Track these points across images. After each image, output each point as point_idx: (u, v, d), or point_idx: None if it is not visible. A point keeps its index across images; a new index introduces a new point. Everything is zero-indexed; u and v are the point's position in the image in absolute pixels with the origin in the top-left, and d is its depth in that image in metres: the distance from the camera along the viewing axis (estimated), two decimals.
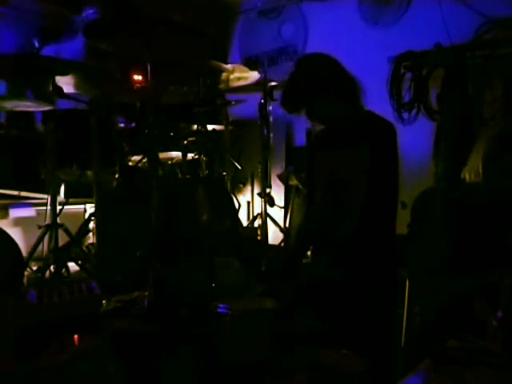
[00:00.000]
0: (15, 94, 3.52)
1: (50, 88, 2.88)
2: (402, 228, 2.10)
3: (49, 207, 3.12)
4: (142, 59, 2.68)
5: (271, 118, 3.80)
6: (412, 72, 3.78)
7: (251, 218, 4.27)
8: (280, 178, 4.38)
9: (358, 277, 1.96)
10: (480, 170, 1.87)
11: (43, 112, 3.27)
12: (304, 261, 2.26)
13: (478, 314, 1.56)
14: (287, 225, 4.05)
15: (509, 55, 3.52)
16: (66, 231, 3.17)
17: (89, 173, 3.03)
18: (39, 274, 2.99)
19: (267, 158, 3.80)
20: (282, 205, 4.28)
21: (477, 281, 1.65)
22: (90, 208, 3.54)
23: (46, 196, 3.17)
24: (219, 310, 1.42)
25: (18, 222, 3.59)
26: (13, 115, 3.70)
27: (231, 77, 3.88)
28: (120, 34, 2.62)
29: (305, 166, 2.33)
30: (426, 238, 1.88)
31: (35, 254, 3.10)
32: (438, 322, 1.78)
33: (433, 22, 3.89)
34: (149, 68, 2.58)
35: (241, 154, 4.32)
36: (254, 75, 3.92)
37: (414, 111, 3.78)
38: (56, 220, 3.08)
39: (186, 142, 3.65)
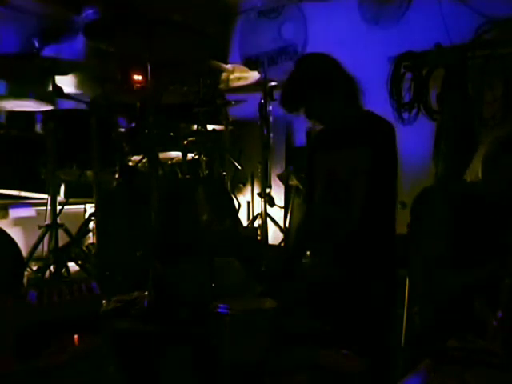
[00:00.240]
0: (15, 93, 3.52)
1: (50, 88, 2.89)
2: (402, 228, 2.10)
3: (49, 207, 3.12)
4: (142, 59, 2.68)
5: (271, 118, 3.80)
6: (412, 72, 3.78)
7: (251, 218, 4.27)
8: (280, 178, 4.38)
9: (358, 277, 1.96)
10: (479, 172, 1.87)
11: (43, 112, 3.28)
12: (304, 261, 2.26)
13: (478, 313, 1.56)
14: (287, 225, 4.04)
15: (509, 55, 3.52)
16: (66, 231, 3.17)
17: (89, 173, 3.03)
18: (39, 274, 2.99)
19: (267, 158, 3.80)
20: (282, 205, 4.28)
21: (475, 278, 1.65)
22: (90, 208, 3.54)
23: (46, 196, 3.17)
24: (219, 310, 1.42)
25: (18, 221, 3.59)
26: (13, 115, 3.71)
27: (231, 77, 3.88)
28: (120, 34, 2.62)
29: (305, 166, 2.33)
30: (425, 237, 1.88)
31: (35, 254, 3.10)
32: (437, 322, 1.78)
33: (433, 22, 3.89)
34: (149, 68, 2.58)
35: (241, 154, 4.32)
36: (253, 75, 3.92)
37: (414, 111, 3.78)
38: (56, 220, 3.08)
39: (186, 142, 3.65)
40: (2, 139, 3.14)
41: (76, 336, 1.49)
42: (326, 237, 2.10)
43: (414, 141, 3.45)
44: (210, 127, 3.72)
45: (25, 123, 3.76)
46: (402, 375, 1.29)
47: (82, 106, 2.89)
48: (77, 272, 3.04)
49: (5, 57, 3.45)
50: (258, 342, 1.39)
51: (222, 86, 3.94)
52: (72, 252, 3.12)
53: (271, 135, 3.82)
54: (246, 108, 4.09)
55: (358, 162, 2.02)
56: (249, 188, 4.51)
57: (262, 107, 3.74)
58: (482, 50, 3.58)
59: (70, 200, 3.37)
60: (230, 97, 4.17)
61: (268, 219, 3.78)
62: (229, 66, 3.76)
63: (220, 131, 3.99)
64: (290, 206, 4.16)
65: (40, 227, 3.12)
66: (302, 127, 4.36)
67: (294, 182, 4.09)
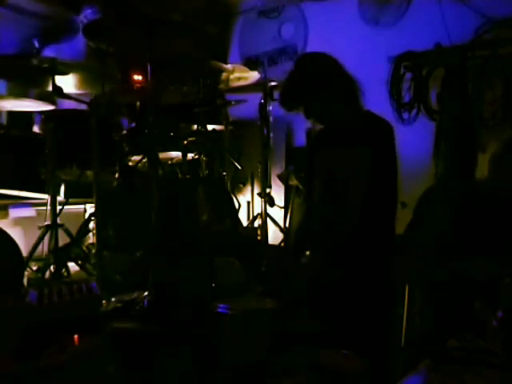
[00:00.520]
0: (15, 94, 3.52)
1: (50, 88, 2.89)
2: (402, 228, 2.10)
3: (49, 207, 3.12)
4: (142, 59, 2.68)
5: (271, 118, 3.79)
6: (412, 72, 3.78)
7: (251, 218, 4.27)
8: (280, 178, 4.38)
9: (358, 277, 1.96)
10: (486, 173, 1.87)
11: (43, 112, 3.27)
12: (304, 260, 2.25)
13: (478, 313, 1.56)
14: (287, 225, 4.04)
15: (509, 55, 3.52)
16: (66, 231, 3.17)
17: (89, 173, 3.03)
18: (39, 274, 2.99)
19: (267, 158, 3.80)
20: (282, 205, 4.28)
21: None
22: (90, 208, 3.54)
23: (46, 196, 3.17)
24: (219, 310, 1.42)
25: (18, 221, 3.59)
26: (13, 115, 3.70)
27: (231, 77, 3.88)
28: (120, 34, 2.62)
29: (304, 166, 2.33)
30: (428, 235, 1.87)
31: (35, 254, 3.10)
32: (437, 322, 1.78)
33: (433, 22, 3.88)
34: (149, 68, 2.58)
35: (241, 154, 4.32)
36: (253, 75, 3.92)
37: (414, 111, 3.78)
38: (56, 220, 3.08)
39: (186, 142, 3.65)
40: (2, 139, 3.14)
41: (76, 336, 1.49)
42: (325, 237, 2.10)
43: (414, 141, 3.46)
44: (210, 127, 3.71)
45: (25, 123, 3.76)
46: (401, 375, 1.29)
47: (82, 106, 2.88)
48: (77, 272, 3.03)
49: (5, 57, 3.45)
50: (258, 342, 1.39)
51: (221, 85, 3.94)
52: (72, 252, 3.12)
53: (271, 135, 3.82)
54: (246, 108, 4.09)
55: (357, 161, 2.02)
56: (249, 188, 4.51)
57: (262, 107, 3.74)
58: (481, 50, 3.58)
59: (70, 200, 3.36)
60: (229, 97, 4.17)
61: (268, 219, 3.78)
62: (229, 66, 3.76)
63: (220, 131, 3.99)
64: (290, 205, 4.16)
65: (40, 227, 3.12)
66: (301, 127, 4.35)
67: (293, 181, 4.09)
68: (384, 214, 2.02)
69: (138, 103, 3.49)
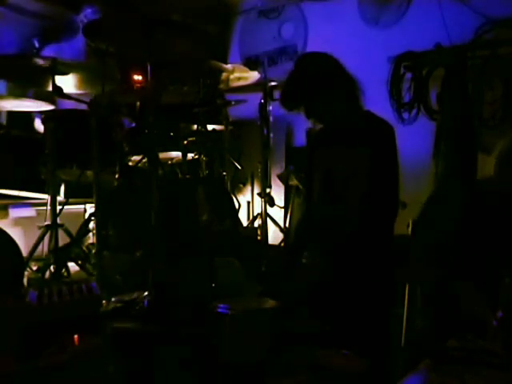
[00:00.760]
0: (15, 94, 3.52)
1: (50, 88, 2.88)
2: (402, 228, 2.09)
3: (49, 207, 3.12)
4: (142, 59, 2.67)
5: (271, 118, 3.79)
6: (412, 72, 3.78)
7: (251, 218, 4.27)
8: (280, 178, 4.38)
9: (358, 277, 1.96)
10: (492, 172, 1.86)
11: (43, 112, 3.27)
12: (304, 261, 2.25)
13: (477, 314, 1.56)
14: (287, 225, 4.04)
15: (509, 55, 3.52)
16: (66, 231, 3.17)
17: (89, 173, 3.03)
18: (39, 274, 2.99)
19: (267, 158, 3.80)
20: (282, 205, 4.28)
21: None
22: (90, 208, 3.54)
23: (46, 196, 3.17)
24: (219, 310, 1.42)
25: (18, 221, 3.59)
26: (13, 115, 3.70)
27: (231, 77, 3.88)
28: (120, 34, 2.62)
29: (304, 165, 2.33)
30: (434, 235, 1.87)
31: (35, 254, 3.10)
32: (438, 322, 1.78)
33: (433, 22, 3.89)
34: (149, 68, 2.58)
35: (241, 154, 4.32)
36: (253, 75, 3.92)
37: (414, 111, 3.78)
38: (56, 220, 3.08)
39: (186, 142, 3.65)
40: (2, 139, 3.14)
41: (76, 336, 1.49)
42: (325, 236, 2.10)
43: (414, 141, 3.46)
44: (210, 127, 3.71)
45: (25, 123, 3.76)
46: (402, 375, 1.29)
47: (82, 106, 2.88)
48: (77, 272, 3.03)
49: (5, 57, 3.44)
50: (258, 341, 1.39)
51: (221, 85, 3.94)
52: (72, 252, 3.12)
53: (271, 135, 3.82)
54: (246, 108, 4.09)
55: (357, 161, 2.02)
56: (249, 188, 4.51)
57: (262, 107, 3.74)
58: (481, 50, 3.58)
59: (70, 200, 3.36)
60: (229, 97, 4.17)
61: (268, 219, 3.78)
62: (229, 66, 3.75)
63: (220, 131, 3.99)
64: (290, 205, 4.16)
65: (40, 227, 3.12)
66: (301, 127, 4.35)
67: (293, 181, 4.09)
68: (384, 214, 2.02)
69: (138, 103, 3.49)
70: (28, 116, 3.78)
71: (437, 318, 1.81)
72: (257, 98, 3.79)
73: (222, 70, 3.73)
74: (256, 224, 3.88)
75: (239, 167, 4.12)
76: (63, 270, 2.96)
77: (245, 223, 4.13)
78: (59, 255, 2.99)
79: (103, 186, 2.83)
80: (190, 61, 3.42)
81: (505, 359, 1.25)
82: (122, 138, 3.31)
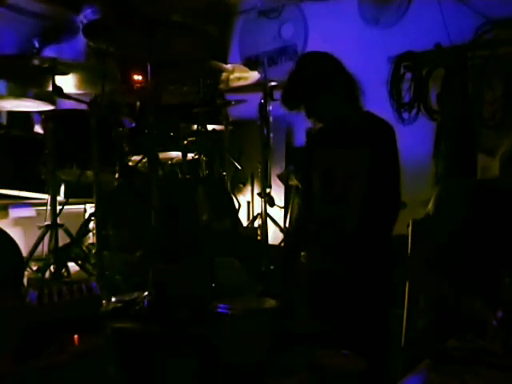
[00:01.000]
0: (15, 94, 3.52)
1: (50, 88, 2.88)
2: (402, 228, 2.09)
3: (49, 207, 3.12)
4: (142, 59, 2.67)
5: (271, 118, 3.79)
6: (412, 72, 3.78)
7: (251, 218, 4.27)
8: (280, 178, 4.38)
9: (358, 277, 1.96)
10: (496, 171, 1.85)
11: (43, 112, 3.27)
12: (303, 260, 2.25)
13: (477, 314, 1.56)
14: (287, 225, 4.04)
15: (509, 55, 3.52)
16: (66, 231, 3.17)
17: (89, 173, 3.03)
18: (39, 274, 2.98)
19: (267, 158, 3.80)
20: (282, 205, 4.28)
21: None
22: (90, 208, 3.54)
23: (46, 196, 3.17)
24: (219, 310, 1.42)
25: (18, 221, 3.59)
26: (13, 115, 3.70)
27: (231, 77, 3.88)
28: (120, 34, 2.62)
29: (303, 165, 2.33)
30: (438, 234, 1.86)
31: (35, 254, 3.10)
32: (439, 322, 1.78)
33: (433, 22, 3.89)
34: (149, 68, 2.57)
35: (241, 154, 4.32)
36: (254, 75, 3.92)
37: (414, 111, 3.78)
38: (56, 220, 3.08)
39: (186, 142, 3.65)
40: (2, 139, 3.14)
41: (76, 336, 1.49)
42: (324, 236, 2.10)
43: (414, 141, 3.46)
44: (210, 127, 3.71)
45: (25, 123, 3.76)
46: (402, 375, 1.29)
47: (82, 106, 2.88)
48: (77, 272, 3.03)
49: (5, 57, 3.45)
50: (258, 341, 1.39)
51: (221, 85, 3.94)
52: (72, 252, 3.12)
53: (271, 135, 3.82)
54: (245, 108, 4.09)
55: (358, 161, 2.02)
56: (249, 188, 4.50)
57: (262, 107, 3.74)
58: (482, 50, 3.58)
59: (70, 200, 3.36)
60: (229, 97, 4.17)
61: (268, 219, 3.78)
62: (229, 66, 3.76)
63: (220, 131, 3.99)
64: (290, 206, 4.16)
65: (40, 227, 3.12)
66: (301, 127, 4.35)
67: (293, 181, 4.09)
68: (385, 214, 2.02)
69: (138, 103, 3.49)
70: (28, 116, 3.78)
71: (437, 318, 1.81)
72: (257, 98, 3.79)
73: (221, 70, 3.73)
74: (256, 224, 3.88)
75: (239, 167, 4.12)
76: (63, 269, 2.96)
77: (245, 223, 4.13)
78: (59, 255, 2.99)
79: (103, 186, 2.82)
80: (189, 61, 3.42)
81: (505, 359, 1.25)
82: (122, 138, 3.32)
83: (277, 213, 4.04)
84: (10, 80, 3.60)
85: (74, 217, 3.53)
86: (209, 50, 3.45)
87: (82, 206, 3.69)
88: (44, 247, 3.14)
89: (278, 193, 4.20)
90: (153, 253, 2.50)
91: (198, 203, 2.99)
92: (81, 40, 4.10)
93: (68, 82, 3.11)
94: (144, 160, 3.25)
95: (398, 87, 3.82)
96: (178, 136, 3.58)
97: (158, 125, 2.80)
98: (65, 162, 3.14)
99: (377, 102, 2.20)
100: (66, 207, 3.26)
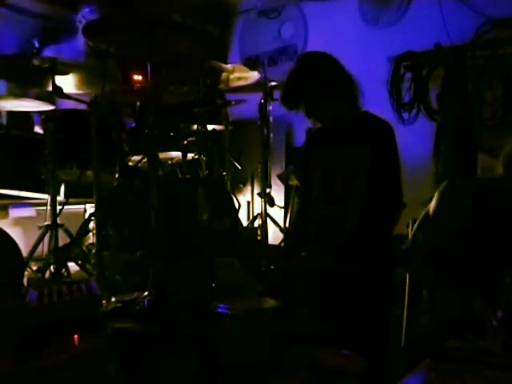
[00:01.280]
0: (15, 94, 3.52)
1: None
2: (402, 228, 2.10)
3: (49, 207, 3.12)
4: (142, 59, 2.67)
5: (271, 118, 3.79)
6: (412, 72, 3.78)
7: (251, 218, 4.27)
8: (280, 178, 4.38)
9: (358, 276, 1.96)
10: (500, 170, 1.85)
11: (43, 112, 3.27)
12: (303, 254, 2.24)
13: (478, 313, 1.56)
14: (287, 225, 4.04)
15: (509, 55, 3.52)
16: (66, 231, 3.17)
17: (89, 173, 3.03)
18: (39, 274, 2.99)
19: (267, 158, 3.80)
20: (282, 205, 4.28)
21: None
22: (90, 208, 3.54)
23: (46, 196, 3.17)
24: (219, 310, 1.42)
25: (18, 221, 3.59)
26: (13, 115, 3.70)
27: (231, 77, 3.88)
28: (120, 34, 2.62)
29: (301, 165, 2.33)
30: (440, 234, 1.86)
31: (35, 254, 3.10)
32: (438, 322, 1.78)
33: (433, 22, 3.89)
34: (149, 68, 2.58)
35: (241, 154, 4.32)
36: (254, 75, 3.92)
37: (414, 111, 3.78)
38: (56, 220, 3.08)
39: (185, 142, 3.65)
40: (2, 139, 3.14)
41: (76, 336, 1.49)
42: (324, 236, 2.10)
43: (414, 141, 3.46)
44: (210, 127, 3.71)
45: (25, 123, 3.76)
46: (402, 375, 1.29)
47: (82, 106, 2.88)
48: (77, 272, 3.03)
49: (5, 57, 3.45)
50: (258, 341, 1.39)
51: (221, 86, 3.94)
52: (72, 252, 3.12)
53: (271, 135, 3.82)
54: (246, 108, 4.09)
55: (357, 160, 2.02)
56: (249, 188, 4.50)
57: (262, 107, 3.74)
58: (482, 50, 3.58)
59: (70, 200, 3.36)
60: (229, 97, 4.17)
61: (268, 219, 3.78)
62: (229, 66, 3.76)
63: (220, 131, 3.99)
64: (290, 206, 4.16)
65: (40, 227, 3.12)
66: (301, 127, 4.35)
67: (293, 181, 4.09)
68: (386, 214, 2.02)
69: (138, 103, 3.49)
70: (28, 116, 3.78)
71: (437, 317, 1.81)
72: (257, 98, 3.79)
73: (222, 70, 3.73)
74: (256, 224, 3.88)
75: (239, 167, 4.12)
76: (63, 269, 2.96)
77: (245, 223, 4.13)
78: (59, 255, 2.99)
79: (103, 186, 2.82)
80: (189, 61, 3.42)
81: (505, 359, 1.25)
82: (122, 138, 3.32)
83: (277, 213, 4.04)
84: (10, 80, 3.60)
85: (74, 217, 3.53)
86: (209, 50, 3.45)
87: (82, 206, 3.69)
88: (44, 247, 3.14)
89: (278, 193, 4.20)
90: (153, 253, 2.50)
91: (198, 203, 3.00)
92: (81, 40, 4.10)
93: (68, 82, 3.11)
94: (144, 160, 3.25)
95: (398, 87, 3.81)
96: (178, 136, 3.58)
97: (158, 125, 2.80)
98: (65, 162, 3.14)
99: (377, 102, 2.20)
100: (66, 207, 3.26)
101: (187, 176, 3.64)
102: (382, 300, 2.02)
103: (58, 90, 2.74)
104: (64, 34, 4.28)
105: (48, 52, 4.12)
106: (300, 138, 4.62)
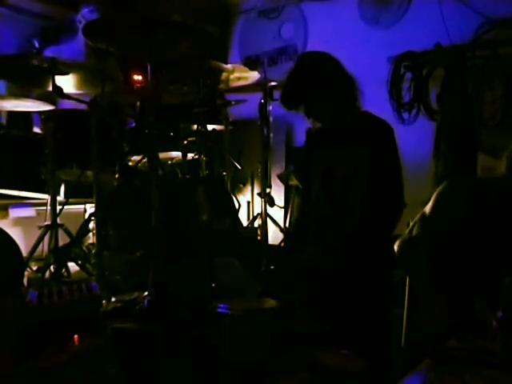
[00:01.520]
0: (15, 94, 3.52)
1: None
2: (402, 228, 2.09)
3: (49, 207, 3.12)
4: (142, 59, 2.67)
5: (271, 118, 3.80)
6: (412, 72, 3.78)
7: (251, 218, 4.27)
8: (280, 178, 4.38)
9: (358, 276, 1.96)
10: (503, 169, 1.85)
11: (43, 112, 3.27)
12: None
13: (478, 313, 1.56)
14: (287, 225, 4.04)
15: (509, 55, 3.52)
16: (66, 231, 3.17)
17: (89, 173, 3.03)
18: (39, 274, 2.99)
19: (267, 158, 3.80)
20: (282, 205, 4.28)
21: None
22: (90, 208, 3.54)
23: (46, 196, 3.17)
24: (219, 310, 1.42)
25: (18, 221, 3.59)
26: (13, 115, 3.70)
27: (231, 77, 3.88)
28: (120, 34, 2.62)
29: (302, 165, 2.33)
30: (441, 233, 1.86)
31: (35, 254, 3.10)
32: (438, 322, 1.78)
33: (433, 22, 3.89)
34: (149, 68, 2.57)
35: (241, 154, 4.32)
36: (254, 75, 3.92)
37: (414, 111, 3.78)
38: (56, 220, 3.08)
39: (185, 142, 3.65)
40: (2, 139, 3.14)
41: (76, 336, 1.49)
42: (324, 236, 2.10)
43: (414, 141, 3.46)
44: (210, 127, 3.71)
45: (25, 123, 3.76)
46: (402, 375, 1.29)
47: (82, 106, 2.88)
48: (77, 272, 3.03)
49: (5, 57, 3.44)
50: (258, 341, 1.39)
51: (221, 86, 3.94)
52: (72, 252, 3.12)
53: (271, 135, 3.82)
54: (246, 108, 4.09)
55: (357, 161, 2.02)
56: (249, 188, 4.51)
57: (262, 107, 3.74)
58: (482, 50, 3.58)
59: (70, 200, 3.36)
60: (230, 97, 4.17)
61: (268, 219, 3.78)
62: (229, 66, 3.76)
63: (220, 131, 3.99)
64: (290, 206, 4.16)
65: (40, 227, 3.12)
66: (301, 127, 4.34)
67: (294, 182, 4.09)
68: (384, 214, 2.02)
69: (138, 103, 3.49)
70: (28, 116, 3.77)
71: (437, 318, 1.81)
72: (257, 98, 3.79)
73: (221, 70, 3.73)
74: (256, 224, 3.88)
75: (239, 167, 4.12)
76: (63, 269, 2.96)
77: (245, 223, 4.13)
78: (59, 255, 2.99)
79: (103, 186, 2.82)
80: (189, 61, 3.42)
81: (505, 359, 1.25)
82: (122, 138, 3.32)
83: (277, 213, 4.04)
84: (10, 80, 3.60)
85: (74, 217, 3.53)
86: (209, 50, 3.45)
87: (82, 206, 3.70)
88: (44, 247, 3.14)
89: (278, 193, 4.21)
90: (153, 253, 2.50)
91: (198, 203, 3.00)
92: (81, 40, 4.10)
93: (68, 82, 3.11)
94: (144, 160, 3.25)
95: (398, 87, 3.81)
96: (178, 136, 3.58)
97: (158, 125, 2.80)
98: (65, 162, 3.14)
99: (377, 102, 2.20)
100: (66, 207, 3.26)
101: (187, 176, 3.63)
102: (382, 300, 2.02)
103: (58, 90, 2.73)
104: (64, 34, 4.28)
105: (48, 52, 4.12)
106: (300, 138, 4.62)
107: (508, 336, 1.33)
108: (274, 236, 4.00)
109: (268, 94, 3.71)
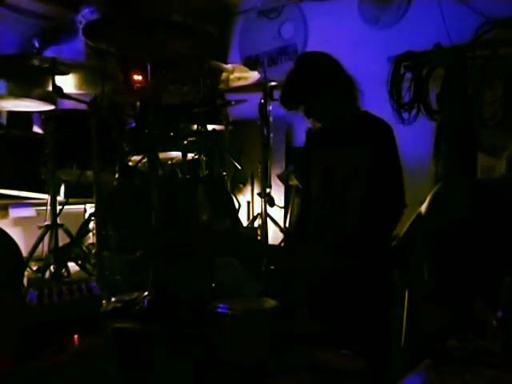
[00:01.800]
0: (15, 94, 3.52)
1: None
2: (402, 228, 2.09)
3: (49, 207, 3.12)
4: (142, 59, 2.67)
5: (271, 118, 3.80)
6: (412, 72, 3.78)
7: (251, 218, 4.27)
8: (280, 178, 4.38)
9: (358, 276, 1.96)
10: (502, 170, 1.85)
11: (43, 112, 3.27)
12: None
13: (478, 313, 1.56)
14: (287, 225, 4.04)
15: (509, 55, 3.52)
16: (66, 231, 3.17)
17: (89, 173, 3.03)
18: (39, 274, 2.99)
19: (267, 158, 3.80)
20: (282, 205, 4.28)
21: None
22: (90, 208, 3.54)
23: (46, 196, 3.17)
24: (219, 310, 1.42)
25: (18, 221, 3.59)
26: (13, 115, 3.70)
27: (231, 77, 3.88)
28: (120, 34, 2.62)
29: (302, 165, 2.33)
30: (440, 235, 1.86)
31: (35, 254, 3.10)
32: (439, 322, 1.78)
33: (433, 22, 3.89)
34: (149, 68, 2.58)
35: (241, 154, 4.32)
36: (254, 75, 3.92)
37: (414, 111, 3.78)
38: (56, 220, 3.08)
39: (185, 142, 3.65)
40: (2, 139, 3.14)
41: (76, 336, 1.49)
42: (323, 236, 2.10)
43: (414, 141, 3.46)
44: (210, 127, 3.72)
45: (25, 123, 3.76)
46: (402, 375, 1.29)
47: (82, 106, 2.88)
48: (77, 272, 3.03)
49: (5, 57, 3.44)
50: (258, 341, 1.39)
51: (221, 86, 3.94)
52: (72, 252, 3.12)
53: (271, 135, 3.82)
54: (246, 108, 4.09)
55: (357, 161, 2.02)
56: (249, 188, 4.51)
57: (262, 107, 3.74)
58: (482, 50, 3.58)
59: (70, 200, 3.36)
60: (229, 97, 4.17)
61: (268, 219, 3.78)
62: (229, 66, 3.76)
63: (220, 131, 3.99)
64: (290, 206, 4.17)
65: (40, 227, 3.12)
66: (301, 127, 4.34)
67: (294, 181, 4.09)
68: (384, 214, 2.02)
69: (138, 103, 3.49)
70: (28, 116, 3.78)
71: (438, 317, 1.81)
72: (257, 98, 3.79)
73: (221, 70, 3.73)
74: (256, 224, 3.88)
75: (239, 167, 4.12)
76: (63, 269, 2.96)
77: (245, 223, 4.13)
78: (59, 255, 2.99)
79: (103, 186, 2.83)
80: (189, 61, 3.42)
81: (505, 359, 1.25)
82: (122, 138, 3.32)
83: (277, 213, 4.04)
84: (10, 80, 3.60)
85: (74, 217, 3.53)
86: (209, 50, 3.45)
87: (82, 206, 3.70)
88: (44, 247, 3.14)
89: (278, 193, 4.21)
90: (153, 253, 2.50)
91: (198, 203, 3.00)
92: (81, 40, 4.10)
93: (68, 82, 3.11)
94: (144, 160, 3.25)
95: (398, 87, 3.82)
96: (178, 136, 3.58)
97: (158, 125, 2.80)
98: (65, 162, 3.14)
99: (377, 102, 2.20)
100: (66, 207, 3.26)
101: (187, 176, 3.64)
102: (382, 300, 2.02)
103: (58, 90, 2.73)
104: (64, 34, 4.28)
105: (48, 52, 4.13)
106: (300, 138, 4.62)
107: (508, 336, 1.33)
108: (274, 236, 4.00)
109: (268, 94, 3.71)
